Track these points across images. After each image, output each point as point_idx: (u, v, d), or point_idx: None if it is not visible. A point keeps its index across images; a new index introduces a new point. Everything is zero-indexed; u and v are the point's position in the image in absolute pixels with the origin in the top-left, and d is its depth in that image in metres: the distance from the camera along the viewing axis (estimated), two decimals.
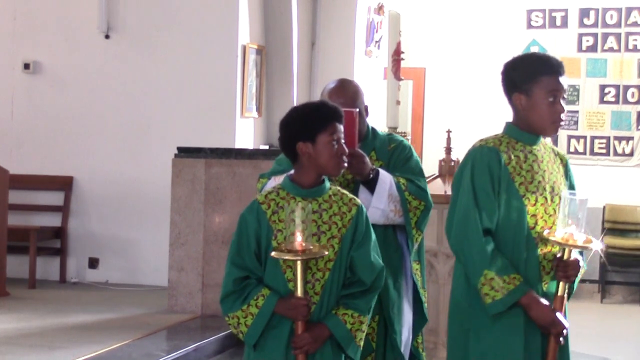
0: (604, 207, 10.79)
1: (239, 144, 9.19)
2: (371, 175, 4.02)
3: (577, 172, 12.17)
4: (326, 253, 3.48)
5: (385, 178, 4.05)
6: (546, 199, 3.74)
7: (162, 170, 8.58)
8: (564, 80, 3.78)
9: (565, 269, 3.70)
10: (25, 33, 9.73)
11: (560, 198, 3.76)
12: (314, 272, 3.52)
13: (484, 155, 3.76)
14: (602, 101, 11.25)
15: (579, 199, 3.69)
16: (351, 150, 3.77)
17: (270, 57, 9.89)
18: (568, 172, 3.95)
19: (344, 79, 4.35)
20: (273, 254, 3.46)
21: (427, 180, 6.82)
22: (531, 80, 3.76)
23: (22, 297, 8.58)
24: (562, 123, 3.81)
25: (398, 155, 4.23)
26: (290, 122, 3.59)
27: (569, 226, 3.68)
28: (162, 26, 9.41)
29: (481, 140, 3.86)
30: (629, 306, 10.38)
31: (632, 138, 11.13)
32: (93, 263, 9.59)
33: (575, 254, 3.75)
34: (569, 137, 11.27)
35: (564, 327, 3.74)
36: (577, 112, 11.28)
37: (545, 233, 3.73)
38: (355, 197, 3.68)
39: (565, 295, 3.77)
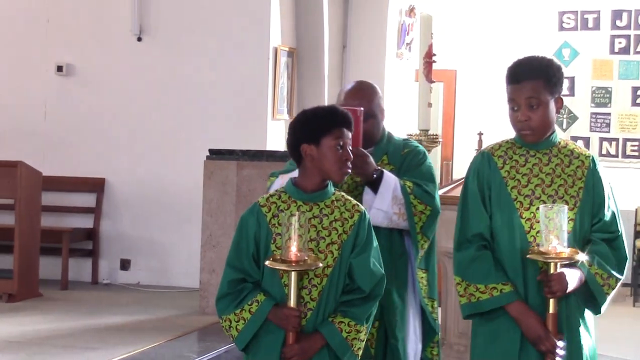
0: (636, 210, 10.71)
1: (270, 146, 9.20)
2: (375, 176, 3.94)
3: (609, 175, 12.02)
4: (320, 265, 3.42)
5: (390, 179, 3.98)
6: (545, 202, 3.64)
7: (194, 172, 8.61)
8: (527, 86, 3.67)
9: (549, 285, 3.57)
10: (58, 36, 9.81)
11: (566, 202, 3.68)
12: (311, 278, 3.47)
13: (477, 161, 3.80)
14: (634, 103, 11.17)
15: (556, 209, 3.56)
16: (354, 149, 3.70)
17: (302, 59, 9.90)
18: (592, 170, 3.80)
19: (361, 81, 4.32)
20: (267, 263, 3.42)
21: (458, 182, 6.83)
22: (506, 88, 3.75)
23: (54, 298, 8.65)
24: (525, 132, 3.71)
25: (411, 160, 4.15)
26: (298, 123, 3.57)
27: (551, 239, 3.54)
28: (194, 29, 9.45)
29: (487, 146, 3.89)
30: None
31: None
32: (125, 264, 9.64)
33: (571, 269, 3.62)
34: (601, 140, 11.19)
35: (554, 344, 3.59)
36: (609, 114, 11.20)
37: (530, 250, 3.63)
38: (359, 204, 3.62)
39: (555, 311, 3.62)
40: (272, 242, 3.49)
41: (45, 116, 9.84)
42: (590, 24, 11.27)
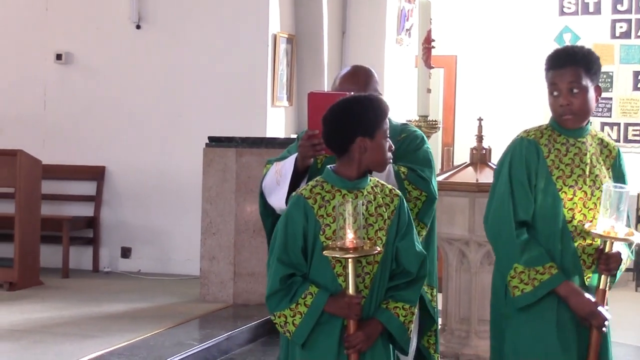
0: (638, 195, 10.69)
1: (270, 133, 9.19)
2: None
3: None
4: (378, 250, 3.43)
5: None
6: (586, 192, 3.74)
7: (194, 160, 8.60)
8: (570, 71, 3.74)
9: (607, 262, 3.70)
10: (57, 24, 9.79)
11: (602, 191, 3.75)
12: (363, 266, 3.46)
13: (523, 147, 3.80)
14: (636, 88, 11.13)
15: (620, 190, 3.66)
16: None
17: (301, 46, 9.88)
18: (617, 162, 3.93)
19: (357, 66, 4.29)
20: (325, 252, 3.41)
21: (459, 168, 6.82)
22: (545, 76, 3.83)
23: (55, 286, 8.65)
24: (567, 117, 3.77)
25: (408, 145, 4.11)
26: (350, 115, 3.50)
27: (610, 219, 3.66)
28: (193, 16, 9.43)
29: (525, 131, 3.90)
30: None
31: None
32: (125, 252, 9.64)
33: (618, 246, 3.74)
34: (602, 124, 11.16)
35: (605, 319, 3.72)
36: (610, 99, 11.17)
37: (586, 226, 3.73)
38: (394, 188, 3.64)
39: (607, 287, 3.76)
40: (320, 233, 3.46)
41: (44, 104, 9.83)
42: (591, 9, 11.22)
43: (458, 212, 6.51)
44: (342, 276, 3.44)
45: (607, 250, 3.70)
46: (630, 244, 3.80)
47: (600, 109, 11.15)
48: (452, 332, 6.70)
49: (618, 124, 11.14)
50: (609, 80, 11.17)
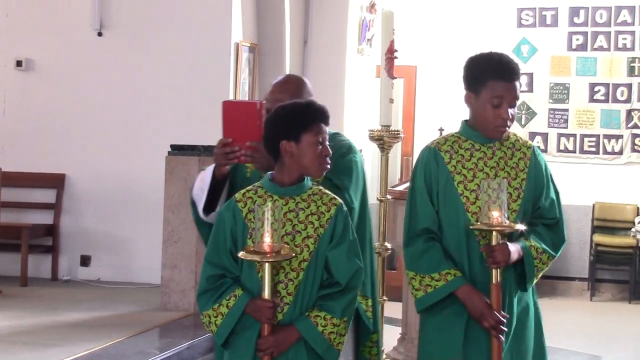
0: (594, 205, 10.84)
1: None
2: None
3: (566, 171, 12.15)
4: (294, 256, 3.43)
5: None
6: (490, 196, 3.72)
7: (156, 168, 8.58)
8: (516, 86, 3.80)
9: (492, 255, 3.69)
10: (17, 30, 9.72)
11: (510, 195, 3.80)
12: (287, 272, 3.48)
13: (424, 156, 3.91)
14: (591, 99, 11.30)
15: (497, 181, 3.69)
16: (254, 143, 3.71)
17: (263, 55, 9.91)
18: (534, 160, 3.91)
19: (290, 75, 4.29)
20: (240, 254, 3.43)
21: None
22: (479, 82, 3.82)
23: (14, 295, 8.56)
24: (504, 129, 3.82)
25: (333, 154, 3.93)
26: (276, 120, 3.55)
27: (493, 211, 3.67)
28: (155, 24, 9.42)
29: (432, 140, 3.98)
30: (619, 304, 10.44)
31: (621, 136, 11.18)
32: (85, 261, 9.59)
33: (515, 245, 3.76)
34: (559, 135, 11.31)
35: (498, 320, 3.70)
36: (567, 110, 11.33)
37: (473, 225, 3.75)
38: (336, 197, 3.63)
39: (499, 282, 3.74)
40: (248, 237, 3.49)
41: (4, 111, 9.76)
42: (549, 21, 11.39)
43: None
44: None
45: (493, 242, 3.70)
46: (520, 237, 3.79)
47: (556, 121, 11.30)
48: (412, 341, 6.76)
49: (574, 135, 11.30)
50: (566, 91, 11.32)
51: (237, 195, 3.58)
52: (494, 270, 3.71)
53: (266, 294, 3.43)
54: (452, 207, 3.81)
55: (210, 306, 3.51)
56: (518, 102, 3.92)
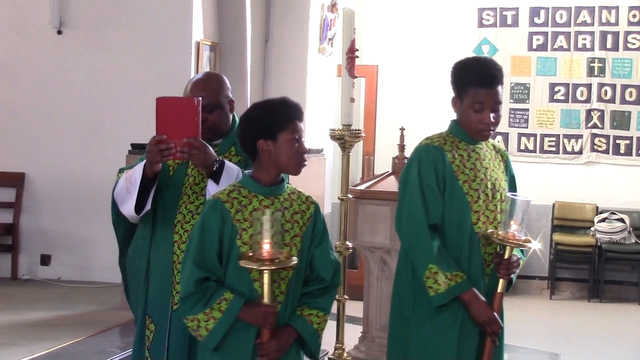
0: (554, 205, 10.93)
1: None
2: (216, 167, 3.81)
3: (527, 170, 12.24)
4: (295, 261, 3.44)
5: (232, 170, 3.85)
6: (487, 195, 3.88)
7: (116, 167, 8.42)
8: (498, 91, 3.88)
9: (508, 267, 3.85)
10: None
11: (500, 195, 3.93)
12: (279, 271, 3.48)
13: (430, 153, 3.91)
14: (552, 99, 11.38)
15: (522, 200, 3.82)
16: (191, 140, 3.69)
17: (224, 54, 9.88)
18: (508, 167, 4.08)
19: (209, 72, 4.28)
20: (241, 262, 3.41)
21: (380, 177, 6.89)
22: (462, 88, 3.93)
23: None
24: (487, 133, 3.92)
25: None
26: (252, 118, 3.54)
27: (511, 225, 3.81)
28: (115, 22, 9.38)
29: (427, 138, 4.02)
30: (578, 302, 10.52)
31: (581, 136, 11.27)
32: (45, 260, 9.53)
33: (514, 251, 3.90)
34: (519, 135, 11.39)
35: (500, 327, 3.88)
36: (527, 110, 11.40)
37: (489, 232, 3.86)
38: (311, 196, 3.67)
39: (503, 290, 3.92)
40: (237, 237, 3.47)
41: None
42: (509, 21, 11.45)
43: (379, 221, 6.60)
44: (259, 281, 3.45)
45: (507, 255, 3.84)
46: (526, 251, 3.98)
47: (517, 120, 11.38)
48: (374, 340, 6.78)
49: (534, 135, 11.38)
50: (526, 91, 11.40)
51: (222, 196, 3.52)
52: (502, 280, 3.87)
53: (266, 299, 3.43)
54: (457, 207, 3.88)
55: (199, 310, 3.43)
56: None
